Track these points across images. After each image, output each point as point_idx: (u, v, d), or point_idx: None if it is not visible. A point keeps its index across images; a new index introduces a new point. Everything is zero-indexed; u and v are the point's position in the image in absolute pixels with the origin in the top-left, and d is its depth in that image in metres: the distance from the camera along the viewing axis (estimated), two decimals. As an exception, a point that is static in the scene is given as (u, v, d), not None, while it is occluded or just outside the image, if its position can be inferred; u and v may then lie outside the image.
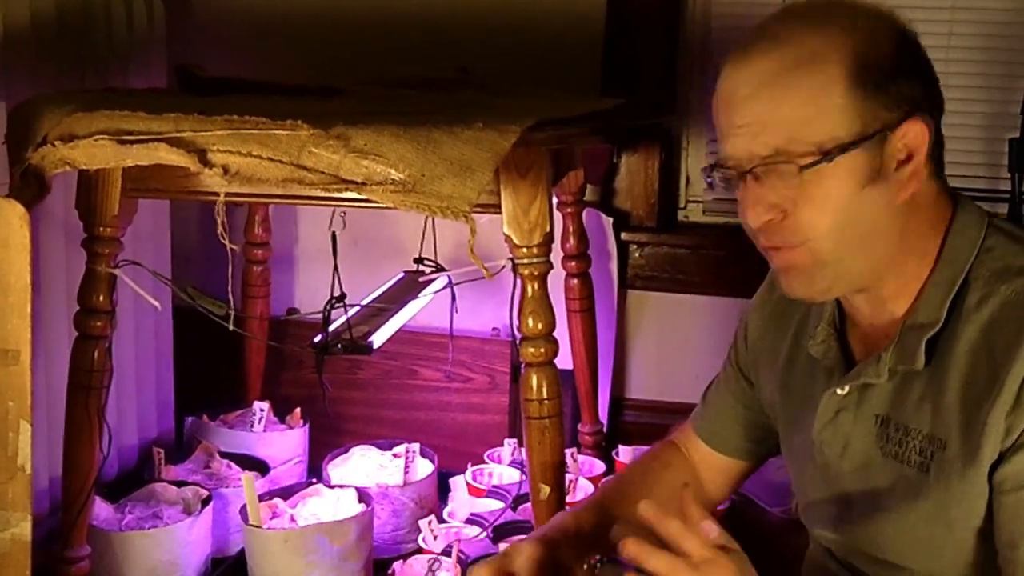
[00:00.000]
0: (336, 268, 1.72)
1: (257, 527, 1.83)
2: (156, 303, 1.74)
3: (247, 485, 1.86)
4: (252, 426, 2.21)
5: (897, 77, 1.03)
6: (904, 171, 1.03)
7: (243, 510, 1.86)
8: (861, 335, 1.13)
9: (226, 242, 1.53)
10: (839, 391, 1.10)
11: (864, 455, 1.09)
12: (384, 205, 1.45)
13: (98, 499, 1.87)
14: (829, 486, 1.14)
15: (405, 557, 1.90)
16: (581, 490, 2.00)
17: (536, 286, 1.59)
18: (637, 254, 2.36)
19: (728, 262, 2.30)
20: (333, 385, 2.21)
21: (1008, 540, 0.99)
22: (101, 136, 1.51)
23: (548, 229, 1.57)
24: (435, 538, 1.85)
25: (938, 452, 1.02)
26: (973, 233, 1.07)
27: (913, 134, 1.03)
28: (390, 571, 1.84)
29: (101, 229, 1.67)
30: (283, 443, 2.22)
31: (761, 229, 1.03)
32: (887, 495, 1.07)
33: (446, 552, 1.81)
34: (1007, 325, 1.01)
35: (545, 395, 1.60)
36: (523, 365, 1.62)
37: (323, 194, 1.50)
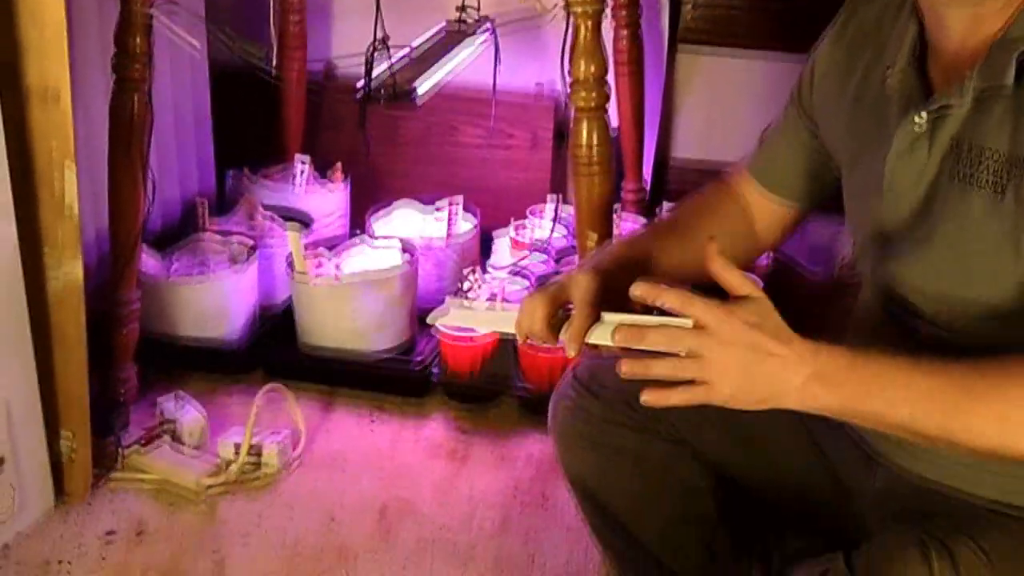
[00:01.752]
0: (379, 7, 1.63)
1: (304, 275, 1.85)
2: (195, 42, 1.68)
3: (292, 236, 1.86)
4: (294, 180, 2.20)
5: None
6: None
7: (289, 260, 1.87)
8: (943, 66, 1.09)
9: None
10: (917, 119, 1.06)
11: (934, 180, 1.07)
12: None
13: (145, 249, 1.88)
14: (893, 218, 1.11)
15: (450, 307, 1.91)
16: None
17: (589, 26, 1.52)
18: (689, 7, 2.25)
19: (783, 19, 2.19)
20: (373, 142, 2.18)
21: None
22: None
23: (603, -34, 1.49)
24: (479, 287, 1.86)
25: (1016, 171, 0.99)
26: None
27: None
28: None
29: (135, -33, 1.60)
30: (324, 199, 2.20)
31: None
32: (955, 218, 1.04)
33: (490, 299, 1.82)
34: None
35: (595, 142, 1.56)
36: (573, 112, 1.57)
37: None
